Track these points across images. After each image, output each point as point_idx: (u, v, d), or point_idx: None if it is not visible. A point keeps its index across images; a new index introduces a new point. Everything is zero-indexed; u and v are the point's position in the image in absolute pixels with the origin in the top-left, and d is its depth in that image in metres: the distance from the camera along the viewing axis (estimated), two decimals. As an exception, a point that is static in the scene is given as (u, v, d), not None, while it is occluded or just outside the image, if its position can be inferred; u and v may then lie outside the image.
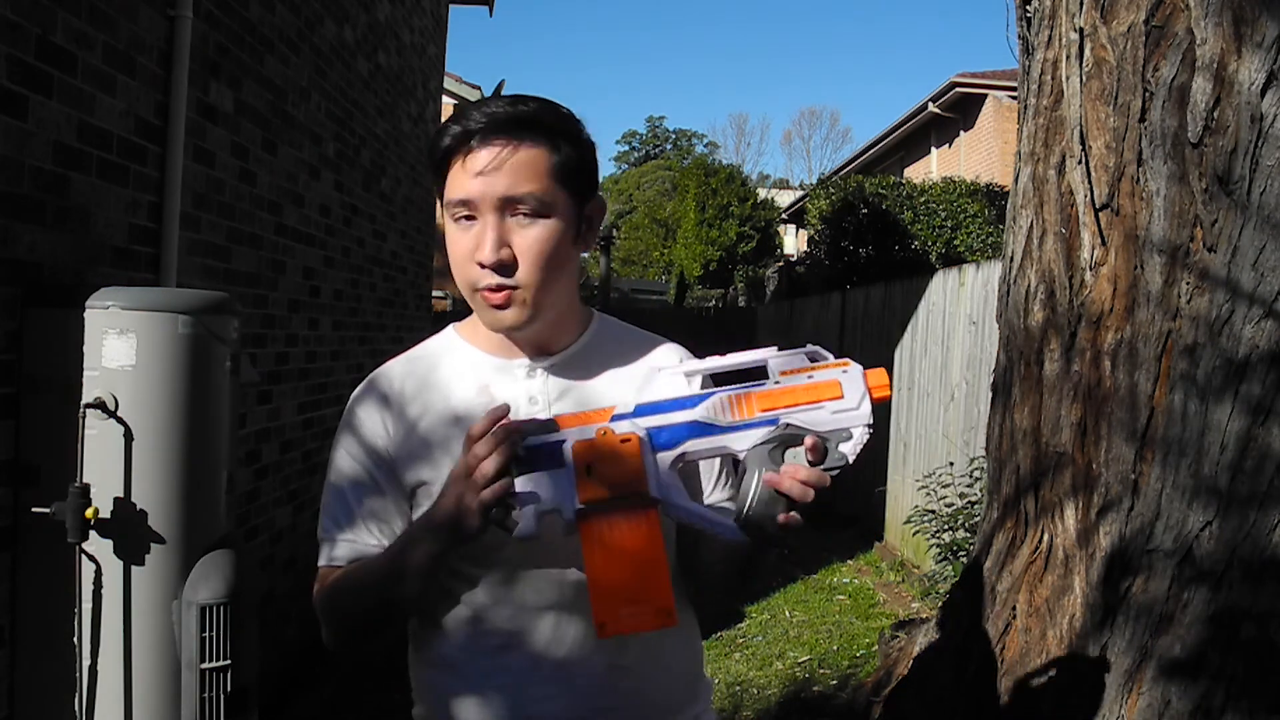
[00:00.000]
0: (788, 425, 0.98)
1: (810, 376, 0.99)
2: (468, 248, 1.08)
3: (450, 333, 1.23)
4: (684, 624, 1.22)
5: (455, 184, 1.08)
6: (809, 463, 0.98)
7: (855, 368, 1.00)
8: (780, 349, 1.02)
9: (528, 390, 1.16)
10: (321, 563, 1.18)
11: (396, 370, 1.20)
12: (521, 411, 1.15)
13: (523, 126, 1.08)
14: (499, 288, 1.08)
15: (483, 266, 1.07)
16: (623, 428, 0.98)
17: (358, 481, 1.17)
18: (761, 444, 0.99)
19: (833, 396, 0.98)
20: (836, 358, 1.03)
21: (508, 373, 1.17)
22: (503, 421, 0.98)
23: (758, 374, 1.03)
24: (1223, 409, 2.07)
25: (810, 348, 1.02)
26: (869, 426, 0.99)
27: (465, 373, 1.18)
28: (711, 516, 1.02)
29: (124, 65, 2.37)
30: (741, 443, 0.99)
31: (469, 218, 1.08)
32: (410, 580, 1.06)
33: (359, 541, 1.15)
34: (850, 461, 0.99)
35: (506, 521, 0.98)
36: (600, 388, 1.17)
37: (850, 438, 0.99)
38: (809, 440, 0.98)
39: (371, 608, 1.13)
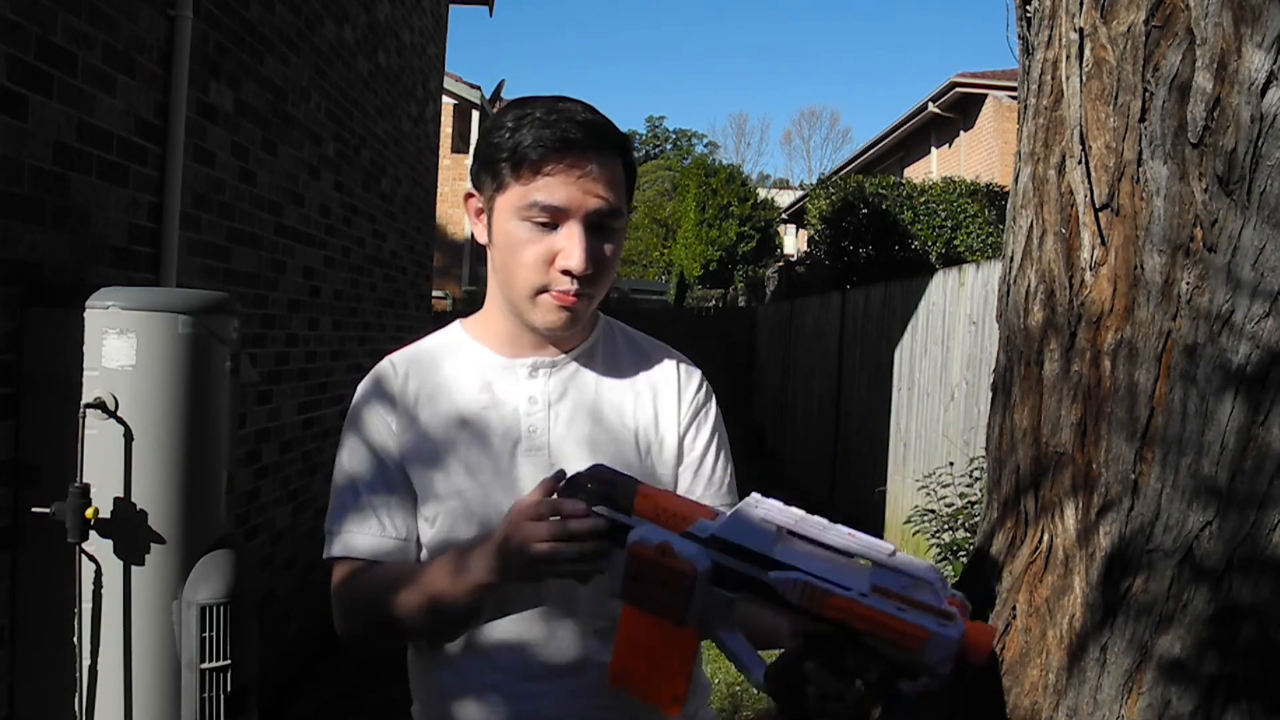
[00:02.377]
0: (855, 638, 0.86)
1: (900, 610, 0.84)
2: (545, 251, 1.09)
3: (456, 329, 1.23)
4: None
5: (548, 189, 1.07)
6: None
7: (955, 627, 0.82)
8: (893, 555, 0.86)
9: (529, 390, 1.16)
10: (336, 553, 1.15)
11: (400, 367, 1.20)
12: (521, 411, 1.15)
13: (614, 143, 1.10)
14: (575, 294, 1.10)
15: (569, 274, 1.08)
16: (688, 552, 0.90)
17: (369, 475, 1.16)
18: (821, 640, 0.88)
19: (911, 645, 0.83)
20: (942, 584, 0.84)
21: (510, 371, 1.17)
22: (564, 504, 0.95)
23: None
24: (1223, 408, 2.07)
25: (928, 572, 0.85)
26: (937, 679, 0.85)
27: (469, 371, 1.18)
28: (744, 659, 0.94)
29: (124, 65, 2.37)
30: (797, 624, 0.90)
31: (547, 223, 1.08)
32: (460, 607, 1.05)
33: (375, 534, 1.14)
34: (907, 696, 0.86)
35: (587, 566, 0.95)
36: (598, 390, 1.18)
37: (913, 681, 0.86)
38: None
39: (410, 619, 1.09)
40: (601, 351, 1.21)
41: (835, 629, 0.87)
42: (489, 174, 1.12)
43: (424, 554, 1.16)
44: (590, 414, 1.17)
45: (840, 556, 0.89)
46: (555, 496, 0.97)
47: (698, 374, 1.26)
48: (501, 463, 1.14)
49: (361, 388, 1.20)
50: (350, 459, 1.17)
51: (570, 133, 1.07)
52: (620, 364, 1.21)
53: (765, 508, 0.90)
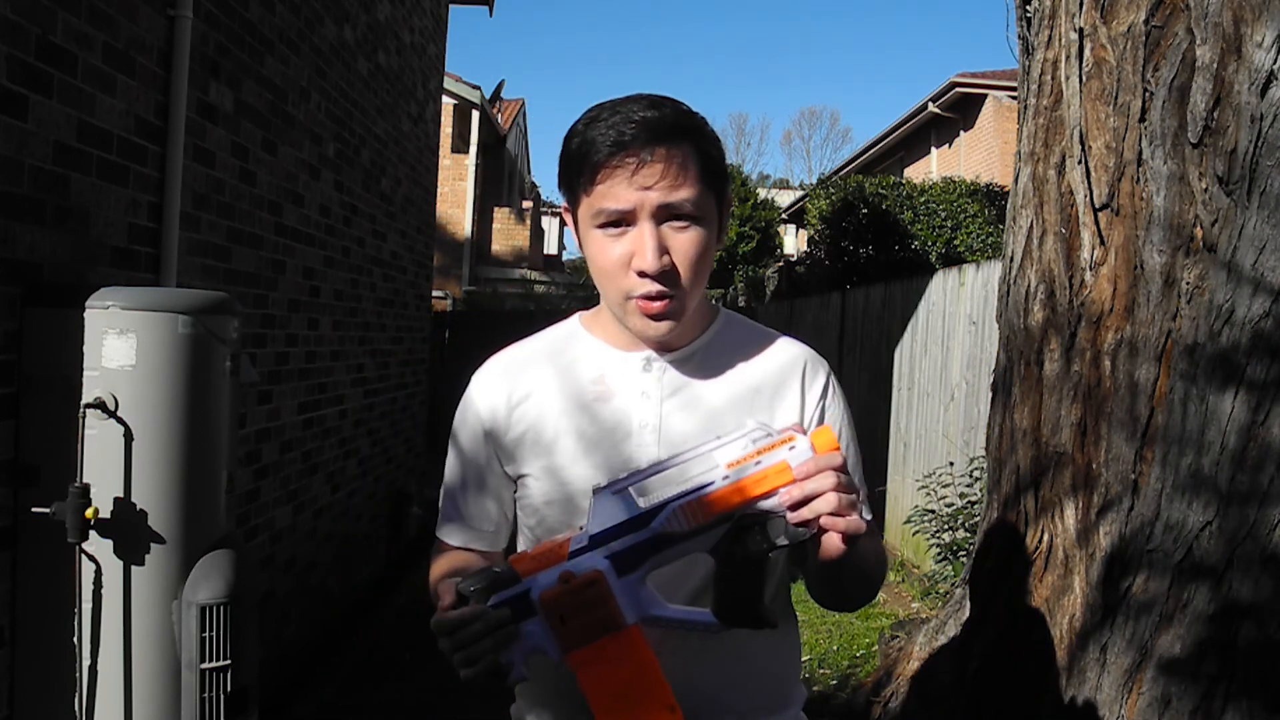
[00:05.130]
0: (742, 516, 0.95)
1: (758, 464, 0.94)
2: (621, 255, 1.09)
3: (574, 322, 1.26)
4: (777, 630, 1.20)
5: (609, 194, 1.07)
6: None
7: (801, 441, 0.95)
8: (719, 436, 0.98)
9: (641, 385, 1.17)
10: (438, 534, 1.26)
11: (516, 358, 1.23)
12: (633, 405, 1.16)
13: (674, 132, 1.08)
14: (658, 296, 1.09)
15: (643, 275, 1.08)
16: (584, 564, 0.95)
17: (465, 470, 1.23)
18: (722, 541, 0.96)
19: (785, 481, 0.94)
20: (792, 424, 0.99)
21: (625, 364, 1.18)
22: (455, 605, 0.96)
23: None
24: (1222, 408, 2.07)
25: (754, 426, 0.98)
26: (816, 497, 0.95)
27: (586, 361, 1.19)
28: (688, 616, 1.00)
29: (124, 65, 2.37)
30: (704, 544, 0.97)
31: (618, 225, 1.09)
32: None
33: (464, 527, 1.23)
34: (813, 531, 0.95)
35: (499, 671, 0.97)
36: (715, 387, 1.17)
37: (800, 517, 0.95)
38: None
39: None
40: (720, 346, 1.20)
41: (729, 520, 0.95)
42: (565, 187, 1.14)
43: (530, 536, 1.21)
44: (705, 411, 1.16)
45: (692, 461, 0.98)
46: (452, 612, 0.97)
47: (824, 368, 1.24)
48: (610, 453, 1.15)
49: (475, 377, 1.25)
50: (451, 455, 1.26)
51: (625, 133, 1.06)
52: (740, 359, 1.20)
53: (614, 484, 0.98)
